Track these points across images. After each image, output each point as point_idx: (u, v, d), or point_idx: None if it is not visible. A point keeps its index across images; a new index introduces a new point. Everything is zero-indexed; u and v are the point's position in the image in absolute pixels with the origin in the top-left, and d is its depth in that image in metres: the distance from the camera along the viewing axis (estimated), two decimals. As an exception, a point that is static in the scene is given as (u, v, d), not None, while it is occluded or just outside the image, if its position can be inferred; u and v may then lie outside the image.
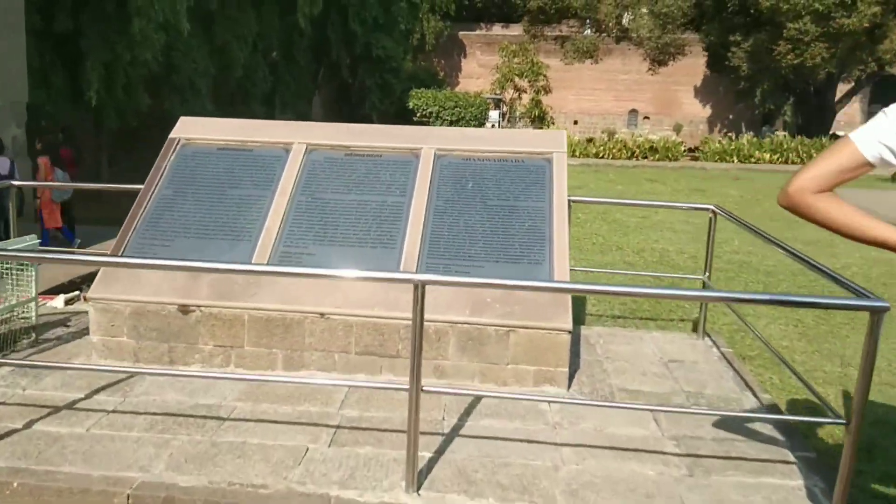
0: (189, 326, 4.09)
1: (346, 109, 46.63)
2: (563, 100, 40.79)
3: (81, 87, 16.72)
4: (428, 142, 4.79)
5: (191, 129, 4.90)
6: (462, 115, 20.42)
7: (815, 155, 25.29)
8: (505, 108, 19.93)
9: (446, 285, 3.61)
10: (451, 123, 20.53)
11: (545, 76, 38.21)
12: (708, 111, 46.69)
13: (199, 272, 4.06)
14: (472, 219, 4.38)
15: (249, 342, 4.08)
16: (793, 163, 25.46)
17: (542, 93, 38.90)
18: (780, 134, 30.82)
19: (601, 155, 25.17)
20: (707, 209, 4.99)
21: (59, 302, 5.36)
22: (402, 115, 42.45)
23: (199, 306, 4.07)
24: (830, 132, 30.96)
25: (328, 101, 45.92)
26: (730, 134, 30.32)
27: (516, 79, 38.50)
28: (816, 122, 31.80)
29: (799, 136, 27.88)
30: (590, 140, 26.82)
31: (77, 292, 5.78)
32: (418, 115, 21.40)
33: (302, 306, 4.03)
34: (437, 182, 4.59)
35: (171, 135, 4.86)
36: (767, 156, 25.67)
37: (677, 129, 43.68)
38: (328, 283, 4.07)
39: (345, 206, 4.46)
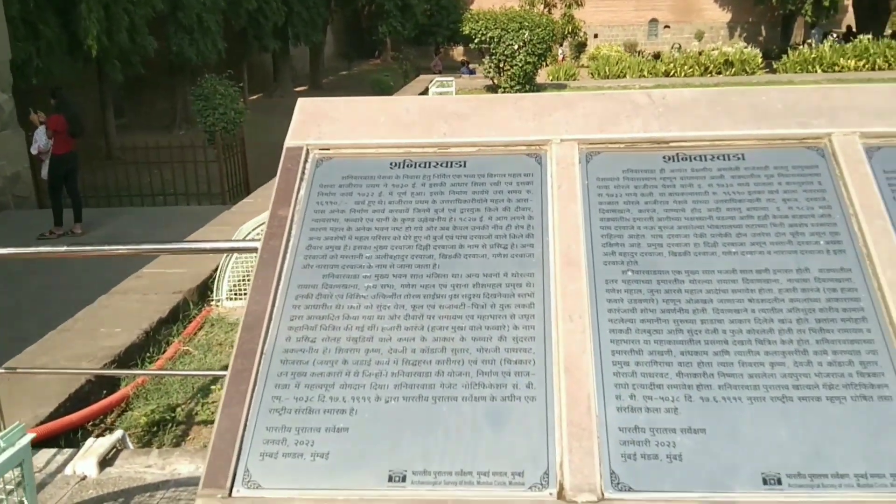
0: None
1: (357, 38, 43.45)
2: (581, 13, 38.05)
3: (78, 36, 13.94)
4: (836, 120, 2.22)
5: (325, 128, 2.32)
6: (530, 38, 17.29)
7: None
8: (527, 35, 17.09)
9: None
10: (517, 50, 17.53)
11: (578, -13, 35.08)
12: (728, 16, 45.20)
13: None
14: None
15: None
16: (879, 68, 22.51)
17: (575, 6, 35.77)
18: (833, 36, 27.87)
19: (672, 73, 22.18)
20: None
21: (89, 464, 2.87)
22: (421, 42, 39.31)
23: None
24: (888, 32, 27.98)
25: (340, 30, 42.82)
26: (809, 41, 27.10)
27: (545, -8, 35.28)
28: (871, 22, 28.74)
29: (884, 39, 24.78)
30: (657, 56, 23.82)
31: (119, 434, 3.30)
32: (476, 40, 18.31)
33: None
34: (895, 210, 2.05)
35: (290, 140, 2.29)
36: (852, 63, 22.67)
37: (699, 36, 41.30)
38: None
39: (718, 292, 1.93)
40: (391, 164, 2.23)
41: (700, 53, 23.56)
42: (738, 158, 2.19)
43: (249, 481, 1.72)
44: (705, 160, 2.19)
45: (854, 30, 31.20)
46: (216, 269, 6.52)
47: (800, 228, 2.02)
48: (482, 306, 1.93)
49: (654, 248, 2.01)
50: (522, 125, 2.26)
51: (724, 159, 2.19)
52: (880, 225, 2.00)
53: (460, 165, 2.21)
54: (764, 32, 40.49)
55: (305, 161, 2.23)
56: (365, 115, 2.32)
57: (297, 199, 2.15)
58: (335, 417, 1.79)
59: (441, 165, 2.22)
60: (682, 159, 2.19)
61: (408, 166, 2.22)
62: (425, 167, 2.22)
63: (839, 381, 1.76)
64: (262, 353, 1.89)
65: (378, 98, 2.39)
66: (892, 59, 22.44)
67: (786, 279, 1.93)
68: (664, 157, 2.20)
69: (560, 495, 1.65)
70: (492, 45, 17.86)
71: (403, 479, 1.70)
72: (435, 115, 2.29)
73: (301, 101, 2.39)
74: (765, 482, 1.65)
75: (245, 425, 1.79)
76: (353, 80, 34.29)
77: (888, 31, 29.18)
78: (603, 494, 1.65)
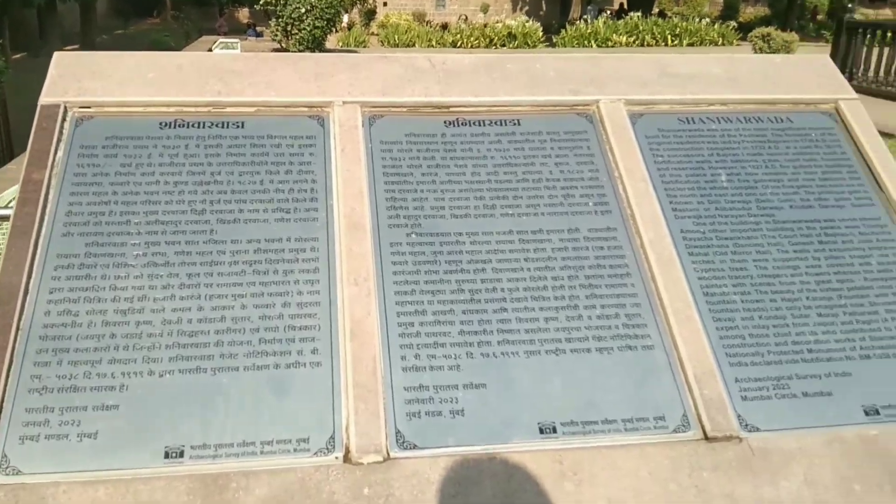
0: None
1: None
2: (366, -20, 37.91)
3: None
4: (604, 88, 2.36)
5: (87, 84, 2.13)
6: (318, 2, 16.82)
7: (670, 37, 24.46)
8: None
9: None
10: (304, 13, 17.04)
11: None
12: (511, -12, 46.74)
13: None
14: (768, 255, 2.08)
15: None
16: (648, 45, 24.33)
17: (362, -29, 35.54)
18: (606, 13, 29.79)
19: (459, 44, 22.69)
20: None
21: None
22: (203, 1, 37.40)
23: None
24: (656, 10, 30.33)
25: (116, -14, 39.72)
26: (585, 17, 28.64)
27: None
28: (641, 1, 30.99)
29: (652, 17, 26.73)
30: (445, 27, 24.22)
31: None
32: (261, 1, 17.58)
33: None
34: (656, 173, 2.21)
35: (45, 97, 2.08)
36: (623, 38, 24.33)
37: (484, 9, 42.56)
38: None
39: (497, 252, 2.00)
40: (161, 123, 2.09)
41: (485, 26, 24.37)
42: (514, 124, 2.26)
43: (8, 467, 1.57)
44: (484, 125, 2.24)
45: (626, 7, 33.40)
46: (-29, 243, 5.89)
47: (571, 191, 2.13)
48: (264, 272, 1.87)
49: (436, 210, 2.04)
50: (304, 86, 2.20)
51: (502, 125, 2.25)
52: (642, 187, 2.15)
53: (238, 126, 2.12)
54: (544, 7, 42.24)
55: (63, 120, 2.04)
56: (132, 70, 2.16)
57: (54, 161, 1.96)
58: (104, 395, 1.66)
59: (217, 126, 2.11)
60: (462, 124, 2.23)
61: (180, 126, 2.09)
62: (199, 127, 2.10)
63: (607, 333, 1.89)
64: (17, 328, 1.72)
65: (147, 53, 2.23)
66: (660, 36, 24.37)
67: (558, 239, 2.03)
68: (445, 122, 2.23)
69: (346, 458, 1.65)
70: (278, 8, 17.32)
71: (181, 454, 1.61)
72: (210, 72, 2.17)
73: (58, 55, 2.18)
74: (541, 431, 1.74)
75: (1, 407, 1.62)
76: (130, 40, 31.97)
77: (656, 10, 31.50)
78: (388, 454, 1.66)
